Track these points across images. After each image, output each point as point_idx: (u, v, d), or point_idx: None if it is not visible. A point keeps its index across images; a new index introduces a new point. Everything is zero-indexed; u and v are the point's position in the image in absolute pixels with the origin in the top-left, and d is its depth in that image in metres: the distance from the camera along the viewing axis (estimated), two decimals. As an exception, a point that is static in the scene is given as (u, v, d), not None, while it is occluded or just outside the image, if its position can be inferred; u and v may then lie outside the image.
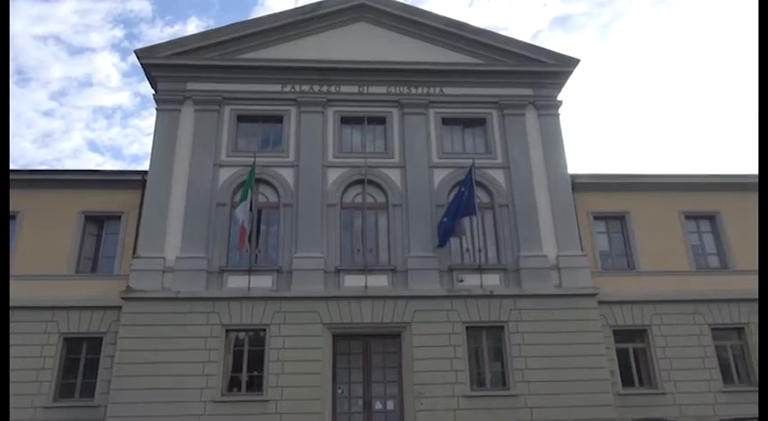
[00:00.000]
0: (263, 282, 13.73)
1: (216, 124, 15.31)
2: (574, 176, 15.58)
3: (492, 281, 14.14)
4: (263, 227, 14.73)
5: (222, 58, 15.82)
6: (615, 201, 15.73)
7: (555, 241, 14.62)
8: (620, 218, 15.77)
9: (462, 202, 13.74)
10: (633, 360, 14.34)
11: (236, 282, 13.70)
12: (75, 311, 13.47)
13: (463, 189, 13.88)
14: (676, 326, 14.43)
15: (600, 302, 14.10)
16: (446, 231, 13.95)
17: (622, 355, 14.30)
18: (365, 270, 13.95)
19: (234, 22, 16.28)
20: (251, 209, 13.55)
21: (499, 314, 13.75)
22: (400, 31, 16.64)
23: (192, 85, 15.61)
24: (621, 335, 14.45)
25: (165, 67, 15.60)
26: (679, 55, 51.17)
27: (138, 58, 15.43)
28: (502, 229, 14.80)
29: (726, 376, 14.22)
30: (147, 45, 15.73)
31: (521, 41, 16.59)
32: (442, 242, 14.07)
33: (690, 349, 14.24)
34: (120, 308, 13.20)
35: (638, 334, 14.56)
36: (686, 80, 52.27)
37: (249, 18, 16.18)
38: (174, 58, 15.58)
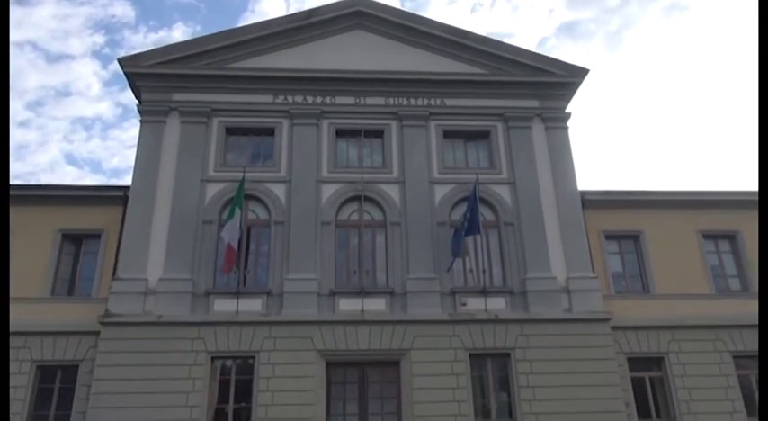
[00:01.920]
0: (252, 306, 13.87)
1: (203, 137, 15.59)
2: (584, 193, 15.84)
3: (497, 304, 14.30)
4: (252, 246, 14.93)
5: (210, 67, 16.18)
6: (628, 220, 15.97)
7: (564, 262, 14.82)
8: (634, 237, 16.01)
9: (465, 221, 13.98)
10: (649, 390, 14.45)
11: (222, 306, 13.84)
12: (50, 337, 13.56)
13: (468, 214, 14.09)
14: (695, 354, 14.56)
15: (613, 328, 14.24)
16: (454, 250, 14.11)
17: (638, 385, 14.41)
18: (362, 293, 14.10)
19: (222, 28, 16.89)
20: (240, 227, 13.72)
21: (505, 340, 13.88)
22: (399, 39, 17.05)
23: (178, 96, 15.93)
24: (637, 363, 14.57)
25: (150, 77, 15.93)
26: (694, 65, 51.99)
27: (121, 66, 15.77)
28: (507, 249, 15.01)
29: (749, 408, 14.28)
30: (130, 52, 16.25)
31: (526, 50, 17.02)
32: (456, 254, 14.17)
33: (710, 378, 14.34)
34: (97, 333, 13.29)
35: (655, 362, 14.68)
36: (702, 91, 53.00)
37: (238, 24, 16.77)
38: (160, 66, 15.92)
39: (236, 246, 13.49)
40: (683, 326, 14.74)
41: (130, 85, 16.18)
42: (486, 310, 14.11)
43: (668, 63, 52.29)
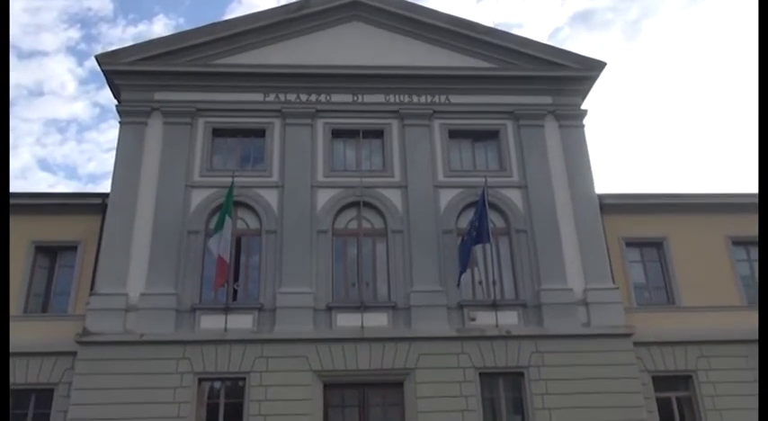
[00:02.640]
0: (241, 323, 13.92)
1: (188, 139, 15.70)
2: (602, 197, 15.91)
3: (509, 319, 14.35)
4: (242, 257, 15.01)
5: (195, 63, 16.31)
6: (651, 226, 16.03)
7: (582, 272, 14.88)
8: (657, 244, 16.06)
9: (473, 228, 14.05)
10: (677, 411, 14.44)
11: (210, 323, 13.90)
12: (23, 358, 13.56)
13: (474, 218, 14.19)
14: (727, 372, 14.54)
15: (636, 344, 14.26)
16: (462, 263, 14.15)
17: (664, 406, 14.40)
18: (361, 307, 14.15)
19: (208, 21, 16.99)
20: (229, 237, 13.78)
21: (518, 358, 13.91)
22: (400, 31, 17.18)
23: (160, 95, 16.06)
24: (662, 382, 14.57)
25: (130, 75, 16.05)
26: (720, 56, 52.07)
27: (98, 63, 15.90)
28: (519, 259, 15.07)
29: (786, 430, 14.27)
30: (107, 48, 16.46)
31: (538, 42, 17.15)
32: (464, 267, 14.23)
33: (744, 398, 14.27)
34: (74, 354, 13.34)
35: (682, 381, 14.69)
36: (729, 85, 53.00)
37: (225, 17, 16.95)
38: (140, 63, 16.06)
39: (227, 259, 13.58)
40: (712, 342, 14.74)
41: (109, 83, 16.31)
42: (497, 326, 14.14)
43: (692, 54, 52.39)
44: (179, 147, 15.56)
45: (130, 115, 15.86)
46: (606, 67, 16.89)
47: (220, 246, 13.57)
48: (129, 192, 14.94)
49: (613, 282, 14.95)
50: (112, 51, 16.18)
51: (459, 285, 14.43)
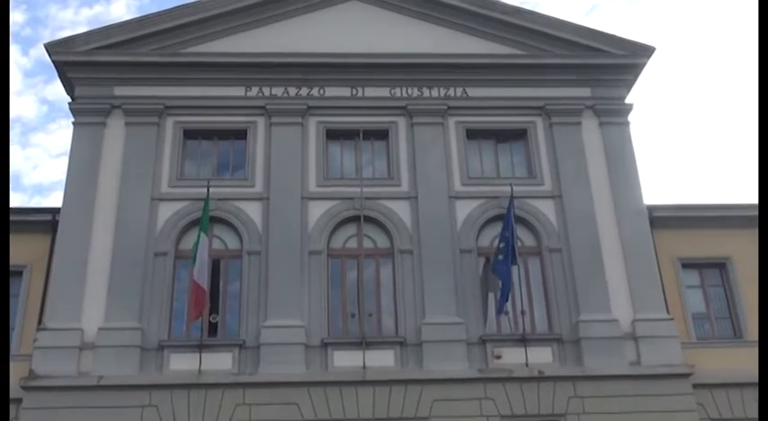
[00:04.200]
0: (219, 363, 14.02)
1: (155, 142, 15.91)
2: (652, 208, 16.00)
3: (541, 357, 14.40)
4: (219, 284, 15.14)
5: (163, 52, 16.55)
6: (711, 243, 16.06)
7: (629, 300, 14.96)
8: (720, 265, 16.14)
9: (500, 251, 14.21)
10: (746, 468, 14.42)
11: (181, 363, 14.00)
12: (-44, 407, 13.64)
13: (506, 233, 14.30)
14: (806, 419, 14.53)
15: (696, 386, 14.27)
16: (504, 288, 14.20)
17: (730, 461, 14.39)
18: (363, 344, 14.23)
19: (177, 3, 17.06)
20: (204, 259, 13.87)
21: (553, 404, 13.93)
22: (407, 12, 17.42)
23: (121, 90, 16.30)
24: (728, 432, 14.57)
25: (86, 66, 16.27)
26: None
27: (48, 53, 16.11)
28: (553, 284, 15.16)
29: None
30: (58, 34, 16.81)
31: (574, 24, 17.34)
32: (500, 310, 14.40)
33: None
34: (19, 401, 13.37)
35: (752, 430, 14.67)
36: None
37: (199, -3, 16.86)
38: (98, 53, 16.30)
39: (205, 285, 13.69)
40: (788, 383, 14.72)
41: (60, 76, 16.53)
42: (527, 365, 14.19)
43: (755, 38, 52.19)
44: (144, 151, 15.75)
45: (86, 114, 16.06)
46: (655, 53, 17.01)
47: (195, 269, 13.70)
48: (85, 206, 15.10)
49: (667, 311, 14.99)
50: (64, 38, 16.44)
51: (501, 314, 14.54)
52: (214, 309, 14.83)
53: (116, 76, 16.34)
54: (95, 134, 15.88)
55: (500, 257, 14.34)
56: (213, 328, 14.71)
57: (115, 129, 15.99)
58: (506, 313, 14.90)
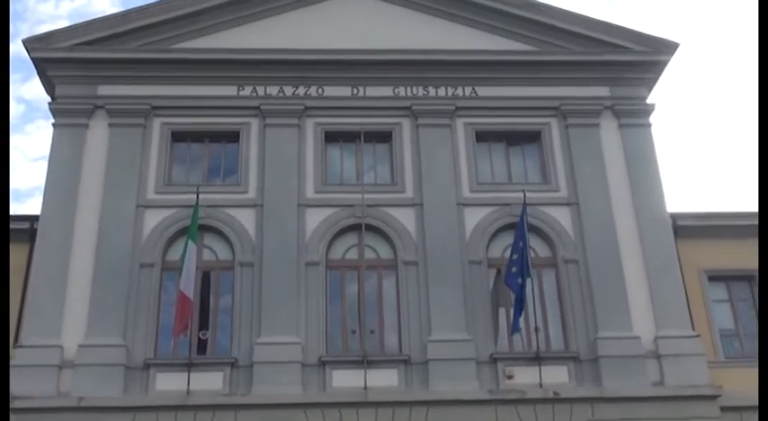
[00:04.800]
0: (209, 383, 14.01)
1: (140, 145, 15.96)
2: (676, 217, 16.03)
3: (557, 376, 14.39)
4: (210, 298, 15.17)
5: (150, 48, 16.66)
6: (739, 254, 15.96)
7: (651, 315, 14.96)
8: (749, 278, 16.07)
9: (512, 263, 14.22)
10: None
11: (169, 383, 13.99)
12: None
13: (520, 243, 14.30)
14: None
15: (724, 408, 14.23)
16: (517, 302, 14.20)
17: (761, 491, 14.33)
18: (364, 362, 14.22)
19: (167, -4, 17.08)
20: (193, 269, 13.91)
21: (569, 428, 13.94)
22: (413, 6, 17.49)
23: (105, 89, 16.38)
24: (759, 459, 14.53)
25: (67, 63, 16.33)
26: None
27: (26, 49, 16.18)
28: (569, 298, 15.17)
29: None
30: (37, 29, 16.93)
31: (591, 18, 17.43)
32: (515, 327, 14.34)
33: None
34: (-7, 424, 13.44)
35: (785, 457, 14.62)
36: None
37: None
38: (80, 49, 16.38)
39: (191, 297, 13.72)
40: (823, 405, 14.70)
41: (39, 74, 16.61)
42: (541, 385, 14.16)
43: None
44: (129, 155, 15.80)
45: (67, 115, 16.12)
46: (679, 50, 17.10)
47: (182, 280, 13.71)
48: (65, 213, 15.14)
49: (693, 327, 14.98)
50: (44, 34, 16.55)
51: (514, 333, 14.45)
52: (204, 324, 14.87)
53: (99, 73, 16.41)
54: (77, 136, 15.93)
55: (513, 270, 14.34)
56: (203, 346, 14.72)
57: (98, 131, 16.05)
58: (519, 330, 14.82)
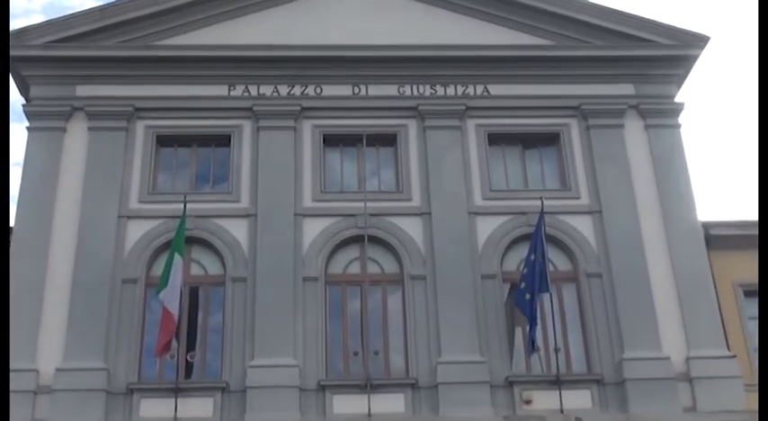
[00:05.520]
0: (198, 409, 14.01)
1: (123, 150, 16.02)
2: (708, 226, 16.00)
3: (579, 401, 14.35)
4: (198, 316, 15.21)
5: (133, 45, 16.75)
6: (779, 266, 16.05)
7: (682, 333, 14.95)
8: (789, 293, 16.07)
9: (523, 278, 14.25)
10: None
11: (154, 410, 13.98)
12: None
13: (532, 256, 14.31)
14: None
15: (762, 436, 14.22)
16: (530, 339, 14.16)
17: None
18: (367, 386, 14.19)
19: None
20: (180, 285, 13.91)
21: (593, 458, 13.94)
22: (418, -3, 17.54)
23: (84, 90, 16.46)
24: (802, 491, 14.46)
25: (43, 62, 16.42)
26: None
27: (-2, 47, 16.33)
28: (592, 315, 15.17)
29: None
30: (11, 26, 16.59)
31: (614, 10, 17.43)
32: (533, 346, 14.25)
33: None
34: (-38, 455, 13.44)
35: (831, 489, 14.56)
36: None
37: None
38: (57, 46, 16.47)
39: (175, 313, 13.70)
40: None
41: (12, 74, 16.59)
42: (561, 411, 14.13)
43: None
44: (110, 161, 15.86)
45: (43, 118, 16.20)
46: (709, 44, 17.08)
47: (166, 294, 13.69)
48: (41, 224, 15.19)
49: (728, 347, 14.94)
50: (17, 30, 16.53)
51: (533, 352, 14.43)
52: (192, 345, 14.89)
53: (77, 73, 16.50)
54: (54, 141, 16.00)
55: (522, 286, 14.32)
56: (191, 369, 14.75)
57: (77, 135, 16.14)
58: (538, 350, 14.82)
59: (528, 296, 14.08)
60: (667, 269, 15.48)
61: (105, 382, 14.01)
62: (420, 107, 16.66)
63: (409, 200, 16.08)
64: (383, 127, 16.69)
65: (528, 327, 14.31)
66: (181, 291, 14.03)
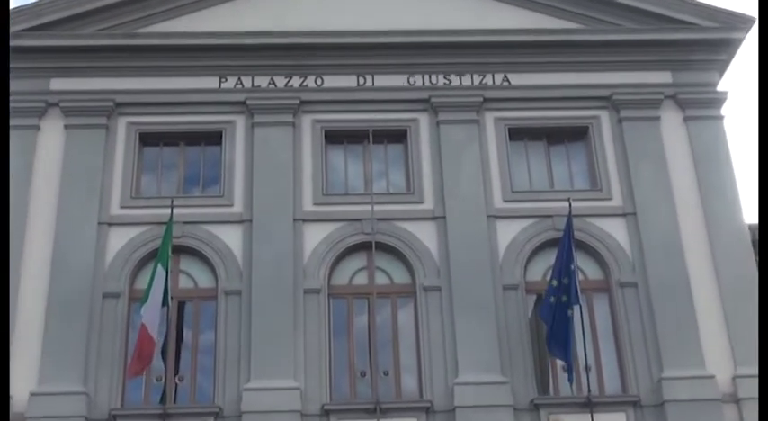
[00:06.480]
0: (188, 437, 14.12)
1: (102, 151, 16.13)
2: (755, 229, 15.87)
3: (613, 426, 14.43)
4: (186, 333, 15.31)
5: (113, 33, 16.87)
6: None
7: (728, 350, 14.94)
8: None
9: (550, 292, 14.29)
10: None
11: (139, 438, 14.10)
12: None
13: (561, 264, 14.35)
14: None
15: (818, 463, 14.23)
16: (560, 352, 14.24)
17: None
18: (377, 410, 14.20)
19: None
20: (165, 300, 13.99)
21: (629, 489, 13.99)
22: (429, -24, 17.60)
23: (59, 83, 16.63)
24: None
25: (13, 53, 16.23)
26: None
27: (-36, 37, 16.50)
28: (627, 330, 15.17)
29: None
30: None
31: (647, -12, 17.47)
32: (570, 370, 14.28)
33: None
34: (-73, 489, 13.54)
35: None
36: None
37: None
38: (29, 35, 16.60)
39: (154, 333, 13.78)
40: None
41: (-20, 66, 16.91)
42: (594, 437, 14.22)
43: None
44: (89, 162, 15.96)
45: (14, 115, 16.03)
46: (755, 25, 16.99)
47: (146, 311, 13.74)
48: (12, 233, 15.09)
49: (780, 364, 15.02)
50: (-14, 18, 16.81)
51: (571, 378, 14.26)
52: (181, 366, 14.96)
53: (52, 64, 16.66)
54: (26, 140, 16.11)
55: (551, 300, 14.29)
56: (180, 392, 14.80)
57: (51, 134, 16.29)
58: (564, 368, 14.71)
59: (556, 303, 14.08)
60: (710, 277, 15.49)
61: (85, 408, 14.04)
62: (432, 99, 16.74)
63: (421, 202, 16.15)
64: (391, 122, 16.79)
65: (569, 348, 14.15)
66: (168, 307, 14.08)
